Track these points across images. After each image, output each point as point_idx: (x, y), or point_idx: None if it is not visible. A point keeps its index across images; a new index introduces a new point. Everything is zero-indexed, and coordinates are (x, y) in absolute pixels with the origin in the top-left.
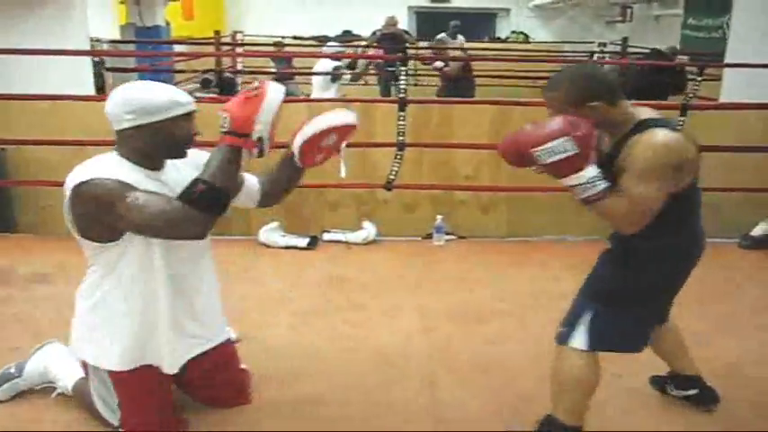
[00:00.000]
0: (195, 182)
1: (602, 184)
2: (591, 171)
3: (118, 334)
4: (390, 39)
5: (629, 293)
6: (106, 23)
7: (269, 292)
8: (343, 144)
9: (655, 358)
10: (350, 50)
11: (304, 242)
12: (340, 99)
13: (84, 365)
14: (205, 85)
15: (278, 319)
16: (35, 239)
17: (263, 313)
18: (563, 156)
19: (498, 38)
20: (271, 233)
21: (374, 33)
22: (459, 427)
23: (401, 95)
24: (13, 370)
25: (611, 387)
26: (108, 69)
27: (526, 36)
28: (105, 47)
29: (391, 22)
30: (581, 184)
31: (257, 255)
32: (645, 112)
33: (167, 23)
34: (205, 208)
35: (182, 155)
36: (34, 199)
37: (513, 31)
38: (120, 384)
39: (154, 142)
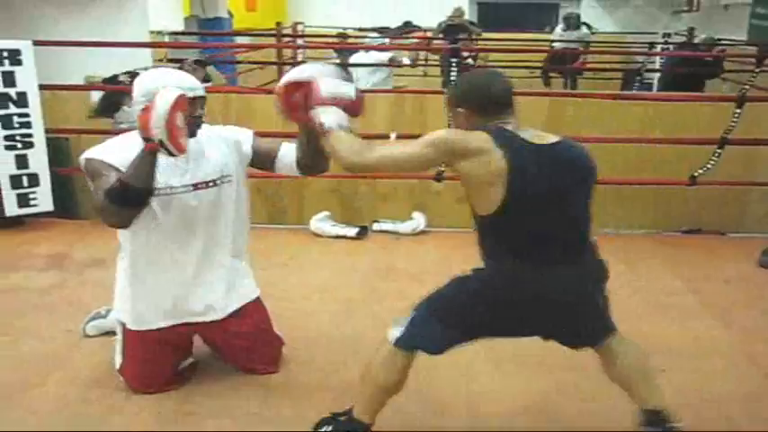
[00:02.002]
0: (117, 180)
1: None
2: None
3: (134, 296)
4: (455, 30)
5: (449, 307)
6: (175, 15)
7: (316, 279)
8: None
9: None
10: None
11: (353, 232)
12: (389, 90)
13: None
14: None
15: (323, 306)
16: (94, 225)
17: (308, 300)
18: (340, 94)
19: None
20: (321, 222)
21: (439, 24)
22: (489, 417)
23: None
24: (103, 312)
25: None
26: (170, 61)
27: (589, 27)
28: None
29: (457, 13)
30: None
31: (308, 243)
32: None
33: (230, 15)
34: (117, 202)
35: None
36: None
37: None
38: (128, 337)
39: None
